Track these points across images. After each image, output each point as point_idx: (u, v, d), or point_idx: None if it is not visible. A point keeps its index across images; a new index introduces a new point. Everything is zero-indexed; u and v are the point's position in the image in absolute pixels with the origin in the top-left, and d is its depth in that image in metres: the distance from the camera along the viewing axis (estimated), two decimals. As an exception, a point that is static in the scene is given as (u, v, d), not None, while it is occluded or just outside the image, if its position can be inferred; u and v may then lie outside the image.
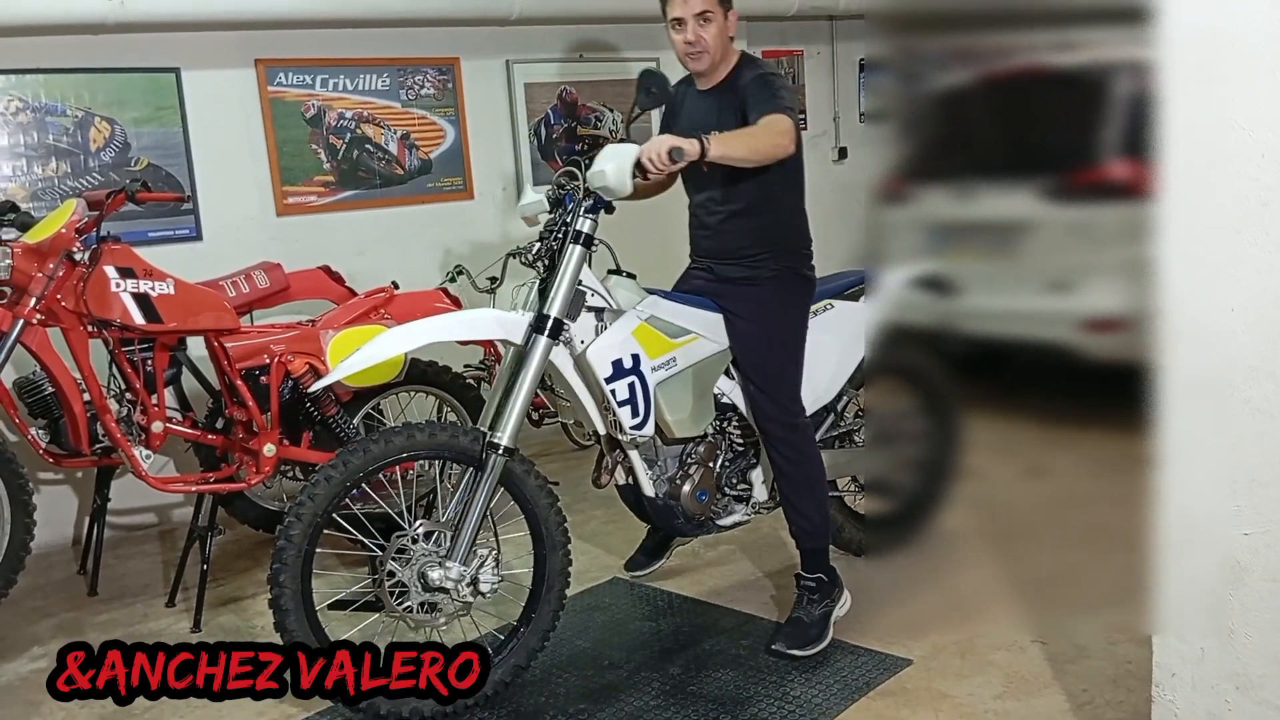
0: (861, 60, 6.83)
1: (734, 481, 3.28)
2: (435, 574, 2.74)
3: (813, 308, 3.25)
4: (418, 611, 2.78)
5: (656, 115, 3.54)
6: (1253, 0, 1.87)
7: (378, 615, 2.90)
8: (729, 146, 2.74)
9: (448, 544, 2.79)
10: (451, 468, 2.99)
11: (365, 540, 2.82)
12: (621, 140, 2.96)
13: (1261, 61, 1.88)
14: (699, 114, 3.08)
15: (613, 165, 2.73)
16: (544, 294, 2.87)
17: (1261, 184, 1.91)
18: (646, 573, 3.67)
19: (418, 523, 2.80)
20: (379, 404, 4.11)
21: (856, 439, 3.55)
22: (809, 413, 3.20)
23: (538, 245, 2.90)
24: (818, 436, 3.30)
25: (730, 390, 3.19)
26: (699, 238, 3.21)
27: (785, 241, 3.08)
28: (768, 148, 2.80)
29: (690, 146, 2.67)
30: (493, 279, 4.55)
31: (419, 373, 4.02)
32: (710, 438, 3.18)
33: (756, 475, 3.29)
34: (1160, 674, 2.22)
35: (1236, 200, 1.94)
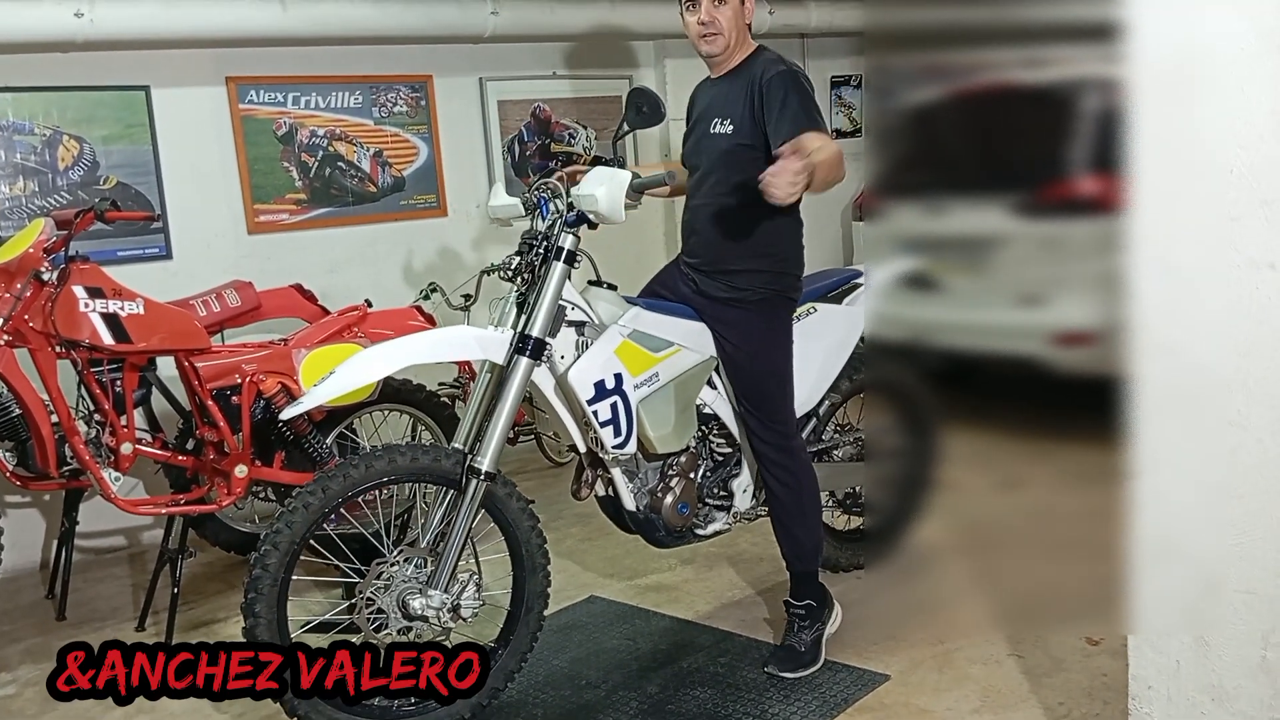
0: (834, 77, 6.87)
1: (715, 491, 3.24)
2: (417, 602, 2.68)
3: (796, 311, 3.18)
4: (396, 638, 2.74)
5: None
6: (1221, 17, 1.90)
7: (359, 640, 2.85)
8: (821, 177, 2.59)
9: (428, 569, 2.74)
10: (428, 489, 2.94)
11: (342, 565, 2.78)
12: (609, 161, 2.87)
13: (1230, 77, 1.91)
14: (704, 105, 3.02)
15: (605, 190, 2.66)
16: (521, 308, 2.82)
17: (1231, 199, 1.93)
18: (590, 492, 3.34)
19: (397, 549, 2.75)
20: (352, 423, 4.07)
21: (837, 454, 3.55)
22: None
23: (516, 260, 2.83)
24: None
25: (712, 400, 3.14)
26: (689, 237, 3.12)
27: (777, 258, 3.00)
28: (834, 182, 2.71)
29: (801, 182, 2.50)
30: (467, 296, 4.54)
31: (393, 391, 3.99)
32: (692, 448, 3.12)
33: (738, 484, 3.24)
34: (1136, 686, 2.23)
35: (1207, 214, 1.96)
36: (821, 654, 3.08)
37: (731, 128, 2.91)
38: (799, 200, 2.93)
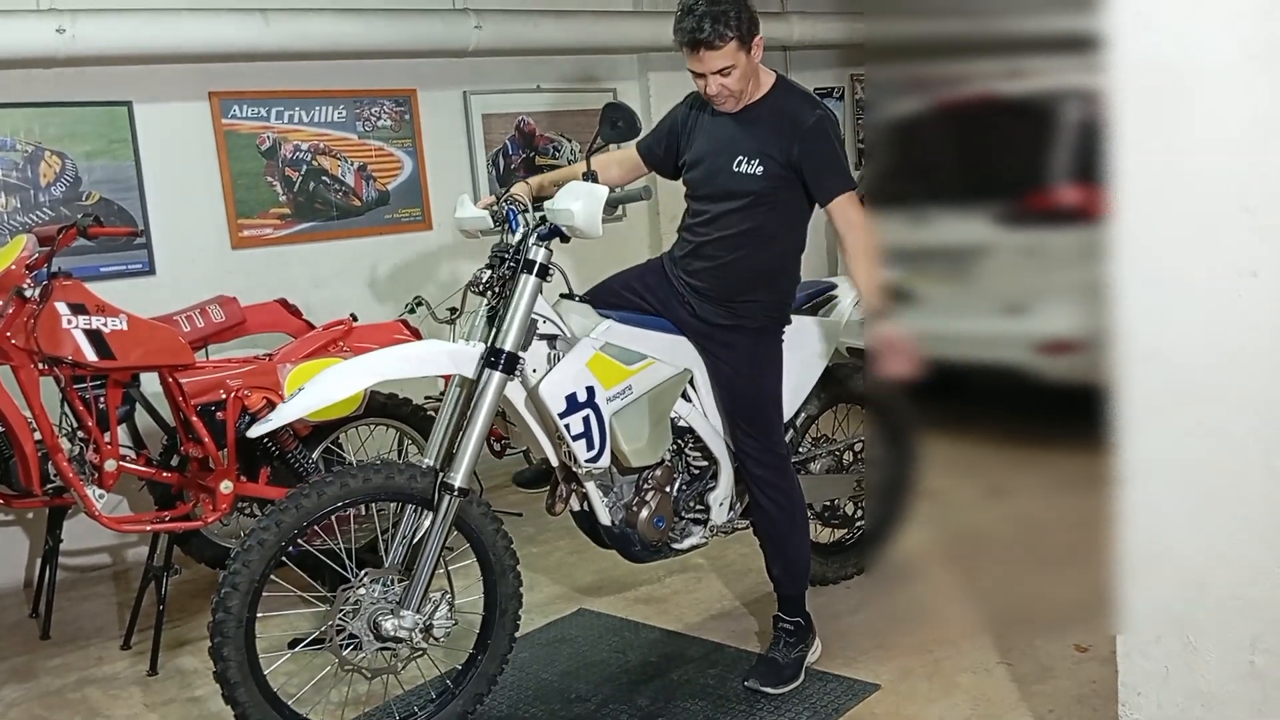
0: (817, 89, 6.91)
1: (691, 505, 3.22)
2: (389, 624, 2.64)
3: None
4: (373, 660, 2.70)
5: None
6: (1203, 28, 1.92)
7: (334, 662, 2.79)
8: (875, 281, 2.76)
9: (397, 589, 2.70)
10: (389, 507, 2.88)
11: (307, 596, 2.74)
12: (585, 176, 2.86)
13: (1211, 86, 1.93)
14: (723, 136, 2.93)
15: (581, 205, 2.64)
16: (492, 321, 2.80)
17: (1213, 207, 1.95)
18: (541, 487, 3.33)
19: (363, 572, 2.69)
20: (338, 438, 4.06)
21: (813, 467, 3.55)
22: None
23: (487, 273, 2.80)
24: None
25: (687, 413, 3.13)
26: (692, 261, 3.03)
27: (778, 290, 3.02)
28: (875, 250, 2.78)
29: (913, 350, 2.62)
30: (452, 310, 4.52)
31: (379, 405, 3.98)
32: (667, 462, 3.11)
33: (714, 497, 3.23)
34: (1126, 693, 2.24)
35: (1190, 222, 1.98)
36: (802, 674, 3.07)
37: (761, 169, 2.86)
38: (799, 227, 2.99)
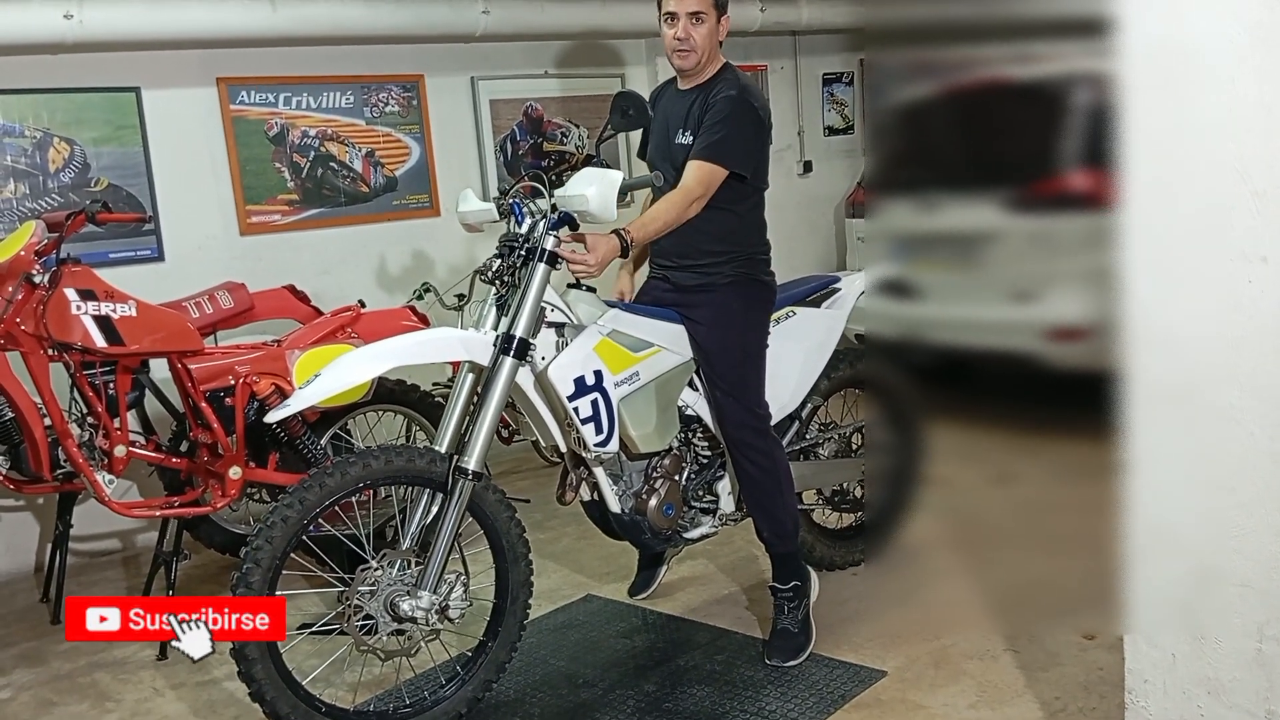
0: (826, 74, 6.88)
1: (700, 494, 3.26)
2: (406, 604, 2.67)
3: (775, 315, 3.24)
4: (387, 641, 2.72)
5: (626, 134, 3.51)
6: (1212, 12, 1.90)
7: (349, 645, 2.81)
8: (648, 230, 2.86)
9: (412, 571, 2.72)
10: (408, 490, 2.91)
11: (326, 575, 2.76)
12: (591, 158, 2.91)
13: (1221, 72, 1.91)
14: (669, 113, 3.09)
15: (596, 190, 2.68)
16: (501, 309, 2.83)
17: (1222, 192, 1.93)
18: (650, 590, 3.62)
19: (381, 553, 2.72)
20: (347, 424, 4.07)
21: (821, 452, 3.55)
22: (774, 421, 3.19)
23: (497, 262, 2.84)
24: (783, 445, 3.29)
25: (694, 402, 3.16)
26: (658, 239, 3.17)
27: (741, 245, 3.07)
28: (678, 217, 2.89)
29: (612, 252, 2.76)
30: (460, 296, 4.51)
31: (387, 392, 3.99)
32: (675, 450, 3.15)
33: (723, 487, 3.27)
34: (1132, 680, 2.24)
35: (1199, 208, 1.97)
36: (813, 629, 3.13)
37: (692, 138, 3.00)
38: (759, 192, 3.08)
